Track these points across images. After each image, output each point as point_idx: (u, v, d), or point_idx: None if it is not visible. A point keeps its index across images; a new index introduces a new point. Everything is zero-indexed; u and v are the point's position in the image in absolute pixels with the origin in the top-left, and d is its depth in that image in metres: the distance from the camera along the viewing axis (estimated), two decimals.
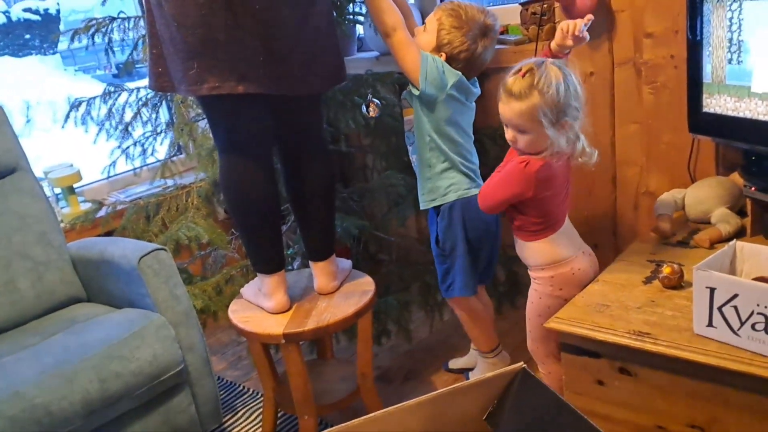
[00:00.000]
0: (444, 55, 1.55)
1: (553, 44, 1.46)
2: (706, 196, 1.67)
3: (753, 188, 1.51)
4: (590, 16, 1.44)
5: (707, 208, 1.65)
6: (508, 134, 1.43)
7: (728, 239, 1.54)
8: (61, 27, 5.18)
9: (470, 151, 1.69)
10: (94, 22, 2.15)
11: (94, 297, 1.86)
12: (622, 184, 2.02)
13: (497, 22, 1.60)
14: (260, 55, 1.36)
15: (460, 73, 1.55)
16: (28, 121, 6.91)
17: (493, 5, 2.42)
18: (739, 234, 1.58)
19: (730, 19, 1.45)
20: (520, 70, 1.38)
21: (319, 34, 1.46)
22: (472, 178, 1.67)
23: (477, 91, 1.66)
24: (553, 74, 1.35)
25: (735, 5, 1.43)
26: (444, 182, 1.64)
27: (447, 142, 1.61)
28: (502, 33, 2.26)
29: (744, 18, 1.42)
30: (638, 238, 1.79)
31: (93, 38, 2.21)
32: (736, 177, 1.65)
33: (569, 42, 1.43)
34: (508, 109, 1.39)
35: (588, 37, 1.45)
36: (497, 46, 2.17)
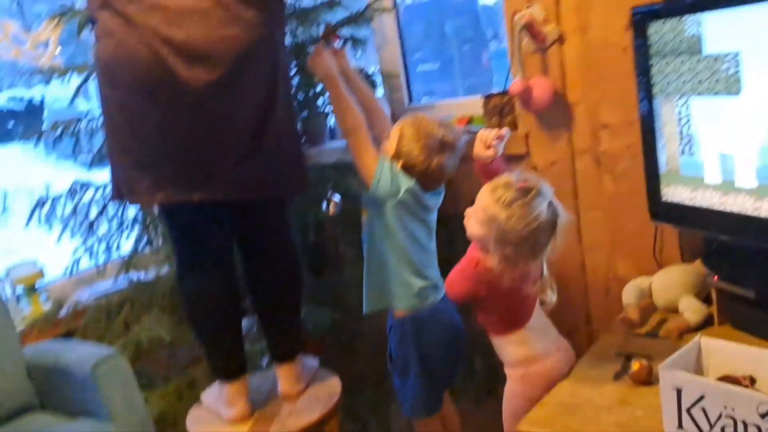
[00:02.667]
0: (400, 163, 1.57)
1: (474, 154, 1.49)
2: (672, 283, 1.66)
3: (716, 277, 1.50)
4: (506, 130, 1.49)
5: (674, 296, 1.64)
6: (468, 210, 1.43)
7: (696, 329, 1.52)
8: (45, 113, 5.30)
9: (426, 264, 1.65)
10: (60, 123, 2.18)
11: (48, 405, 1.79)
12: (592, 270, 2.02)
13: (458, 138, 1.62)
14: (218, 161, 1.36)
15: (414, 182, 1.56)
16: (4, 210, 6.87)
17: (457, 97, 2.48)
18: (706, 323, 1.56)
19: (679, 113, 1.49)
20: (526, 180, 1.40)
21: (280, 141, 1.47)
22: (427, 290, 1.64)
23: (434, 204, 1.66)
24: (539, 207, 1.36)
25: (682, 101, 1.47)
26: (393, 289, 1.61)
27: (396, 250, 1.60)
28: (467, 123, 2.31)
29: (691, 114, 1.46)
30: (609, 327, 1.77)
31: (61, 136, 2.23)
32: (699, 264, 1.65)
33: (486, 153, 1.47)
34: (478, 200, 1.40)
35: (501, 151, 1.49)
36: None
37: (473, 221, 1.42)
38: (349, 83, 1.66)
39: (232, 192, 1.40)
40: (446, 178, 1.66)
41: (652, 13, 1.51)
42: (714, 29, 1.38)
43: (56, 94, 4.76)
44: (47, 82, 2.24)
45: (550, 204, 1.40)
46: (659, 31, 1.48)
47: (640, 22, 1.53)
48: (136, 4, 1.30)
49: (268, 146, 1.43)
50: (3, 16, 3.36)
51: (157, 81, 1.29)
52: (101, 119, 1.91)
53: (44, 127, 2.29)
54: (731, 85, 1.36)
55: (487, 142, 1.46)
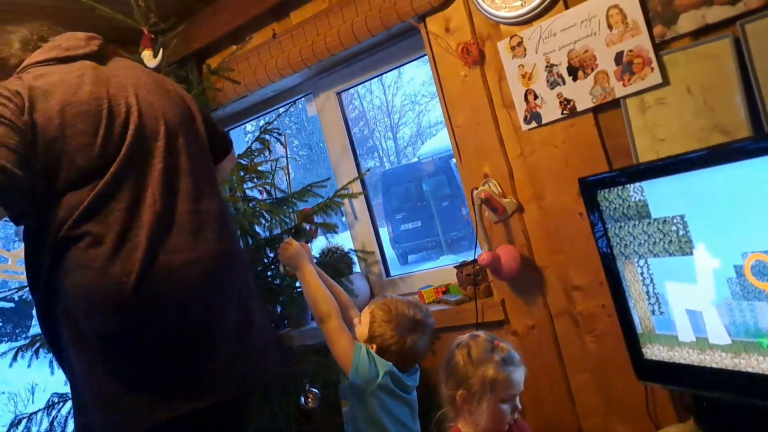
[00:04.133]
0: (375, 346, 1.58)
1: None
2: None
3: None
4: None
5: None
6: (514, 404, 1.47)
7: None
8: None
9: None
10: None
11: None
12: None
13: (429, 317, 1.66)
14: (212, 362, 1.34)
15: (391, 364, 1.57)
16: None
17: (432, 268, 2.54)
18: None
19: (641, 273, 1.53)
20: (493, 340, 1.51)
21: (263, 329, 1.46)
22: None
23: (412, 383, 1.66)
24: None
25: (642, 261, 1.53)
26: None
27: None
28: (443, 293, 2.35)
29: (653, 273, 1.51)
30: None
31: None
32: (693, 424, 1.61)
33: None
34: (521, 375, 1.48)
35: None
36: (441, 307, 2.25)
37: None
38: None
39: (231, 389, 1.36)
40: (421, 357, 1.66)
41: (598, 182, 1.61)
42: (657, 195, 1.47)
43: None
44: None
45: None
46: (608, 197, 1.57)
47: (588, 191, 1.63)
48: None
49: (254, 337, 1.42)
50: None
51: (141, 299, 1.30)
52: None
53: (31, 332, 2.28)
54: (684, 245, 1.42)
55: None
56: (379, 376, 1.54)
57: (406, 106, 15.05)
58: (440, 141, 10.02)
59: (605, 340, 1.86)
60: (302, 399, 1.76)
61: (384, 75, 2.56)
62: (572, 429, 1.97)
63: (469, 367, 1.46)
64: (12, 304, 8.71)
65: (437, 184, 9.04)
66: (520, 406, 1.48)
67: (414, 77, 14.26)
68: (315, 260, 1.88)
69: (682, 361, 1.49)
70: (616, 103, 1.68)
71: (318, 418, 2.41)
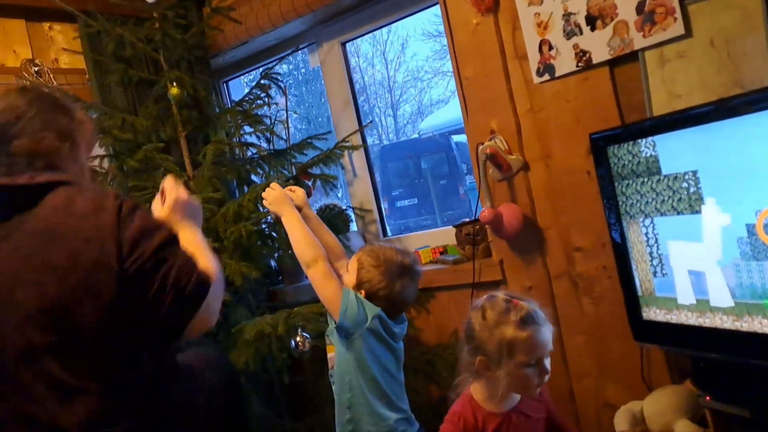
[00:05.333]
0: (363, 292, 1.55)
1: None
2: (665, 407, 1.58)
3: (708, 398, 1.44)
4: None
5: (668, 420, 1.56)
6: (542, 367, 1.33)
7: None
8: None
9: (399, 395, 1.59)
10: None
11: None
12: (581, 398, 1.94)
13: (416, 264, 1.62)
14: None
15: (380, 309, 1.53)
16: None
17: (430, 228, 2.51)
18: None
19: (646, 234, 1.50)
20: (512, 299, 1.36)
21: None
22: (402, 422, 1.56)
23: (399, 332, 1.62)
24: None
25: (647, 221, 1.49)
26: (368, 427, 1.53)
27: (369, 382, 1.53)
28: (441, 253, 2.32)
29: (658, 232, 1.47)
30: None
31: None
32: (689, 384, 1.59)
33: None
34: (546, 335, 1.33)
35: None
36: (438, 266, 2.22)
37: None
38: (310, 222, 1.69)
39: None
40: (409, 304, 1.63)
41: (610, 137, 1.57)
42: (669, 151, 1.43)
43: None
44: None
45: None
46: (617, 154, 1.53)
47: (599, 147, 1.59)
48: None
49: None
50: None
51: None
52: None
53: None
54: (694, 203, 1.39)
55: None
56: (368, 320, 1.51)
57: (408, 83, 14.92)
58: (442, 117, 9.93)
59: (603, 302, 1.83)
60: (293, 343, 1.73)
61: (387, 49, 2.50)
62: (564, 392, 1.95)
63: (484, 331, 1.34)
64: None
65: (436, 161, 8.97)
66: (549, 369, 1.33)
67: (417, 52, 14.13)
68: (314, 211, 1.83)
69: (683, 321, 1.46)
70: (633, 56, 1.63)
71: (307, 370, 2.40)
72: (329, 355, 1.60)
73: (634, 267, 1.57)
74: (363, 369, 1.52)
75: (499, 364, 1.32)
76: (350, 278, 1.59)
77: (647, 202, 1.49)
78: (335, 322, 1.53)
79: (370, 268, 1.56)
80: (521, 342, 1.29)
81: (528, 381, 1.32)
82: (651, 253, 1.51)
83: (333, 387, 1.62)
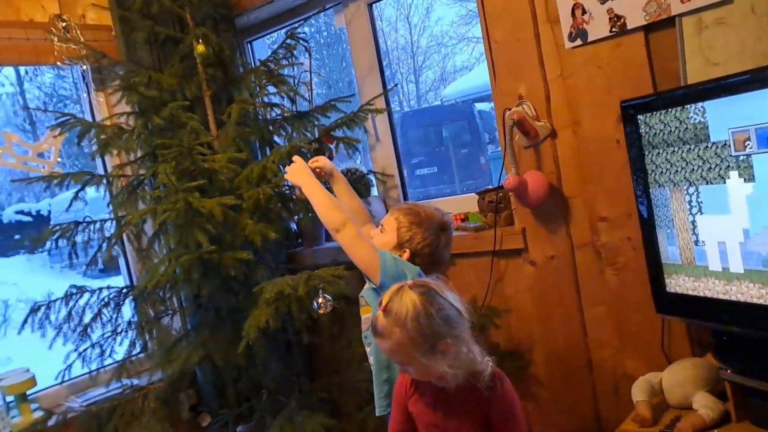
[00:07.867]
0: (407, 251, 1.54)
1: None
2: (683, 379, 1.58)
3: (729, 371, 1.43)
4: None
5: (687, 392, 1.56)
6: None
7: (713, 426, 1.43)
8: (51, 224, 5.35)
9: None
10: (58, 227, 2.18)
11: None
12: (599, 367, 1.94)
13: (452, 221, 1.63)
14: None
15: (418, 268, 1.53)
16: (4, 321, 6.79)
17: (452, 195, 2.50)
18: (723, 420, 1.47)
19: (689, 201, 1.46)
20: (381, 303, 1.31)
21: None
22: None
23: None
24: (410, 304, 1.26)
25: (692, 189, 1.45)
26: None
27: None
28: (462, 220, 2.31)
29: (702, 201, 1.44)
30: (620, 427, 1.67)
31: (57, 243, 2.22)
32: (711, 357, 1.58)
33: None
34: (380, 345, 1.31)
35: None
36: (459, 233, 2.21)
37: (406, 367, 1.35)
38: (339, 184, 1.69)
39: None
40: (447, 262, 1.63)
41: (641, 105, 1.53)
42: (718, 117, 1.37)
43: (63, 206, 4.82)
44: (47, 189, 2.25)
45: (411, 289, 1.29)
46: (649, 122, 1.50)
47: (630, 115, 1.55)
48: None
49: None
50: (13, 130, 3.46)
51: None
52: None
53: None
54: (744, 171, 1.34)
55: None
56: (408, 278, 1.51)
57: (432, 48, 14.69)
58: (465, 84, 9.76)
59: (626, 273, 1.82)
60: (315, 304, 1.74)
61: (412, 12, 2.45)
62: (582, 361, 1.96)
63: None
64: (30, 218, 8.79)
65: (458, 130, 8.85)
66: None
67: (442, 17, 13.85)
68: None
69: (707, 293, 1.45)
70: (670, 22, 1.58)
71: (325, 331, 2.42)
72: (363, 316, 1.60)
73: (666, 237, 1.53)
74: None
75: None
76: (388, 238, 1.57)
77: (686, 170, 1.44)
78: (373, 283, 1.52)
79: (411, 226, 1.55)
80: None
81: None
82: (693, 222, 1.47)
83: (367, 349, 1.62)
